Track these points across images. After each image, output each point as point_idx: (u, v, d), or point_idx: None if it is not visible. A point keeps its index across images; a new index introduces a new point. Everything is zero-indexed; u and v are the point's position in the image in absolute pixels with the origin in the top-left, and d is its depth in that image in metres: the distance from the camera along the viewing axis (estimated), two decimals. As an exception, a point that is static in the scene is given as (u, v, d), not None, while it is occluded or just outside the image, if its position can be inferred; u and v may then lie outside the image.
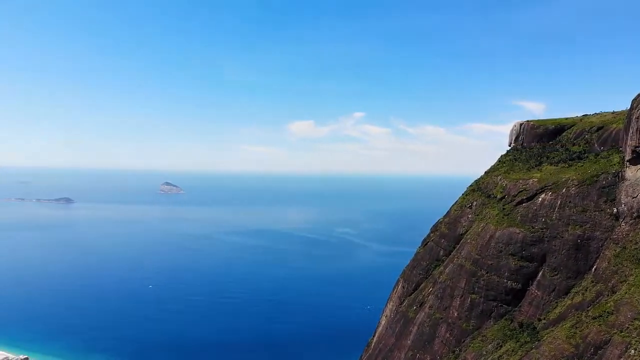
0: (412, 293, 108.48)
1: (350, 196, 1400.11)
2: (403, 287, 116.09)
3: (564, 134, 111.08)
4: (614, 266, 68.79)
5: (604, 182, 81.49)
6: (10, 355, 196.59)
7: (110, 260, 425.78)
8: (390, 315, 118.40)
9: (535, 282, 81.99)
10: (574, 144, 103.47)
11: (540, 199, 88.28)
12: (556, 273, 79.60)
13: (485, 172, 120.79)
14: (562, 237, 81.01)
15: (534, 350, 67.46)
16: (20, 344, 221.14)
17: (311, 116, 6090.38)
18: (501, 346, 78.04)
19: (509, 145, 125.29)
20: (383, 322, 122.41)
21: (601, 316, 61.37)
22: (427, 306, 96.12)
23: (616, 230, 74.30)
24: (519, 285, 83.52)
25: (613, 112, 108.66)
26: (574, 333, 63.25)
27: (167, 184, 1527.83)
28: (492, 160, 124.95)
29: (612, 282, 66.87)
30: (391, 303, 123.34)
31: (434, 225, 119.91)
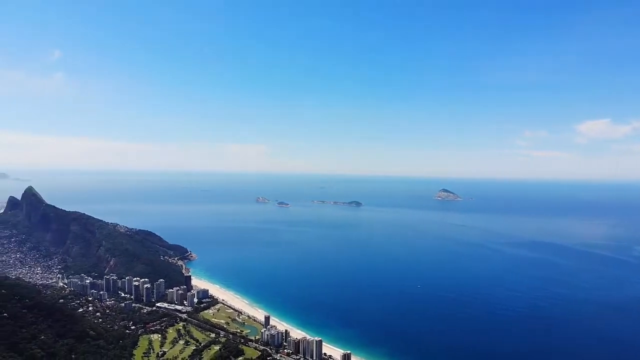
0: None
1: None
2: None
3: None
4: None
5: None
6: (308, 336, 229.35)
7: (388, 257, 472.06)
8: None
9: None
10: None
11: None
12: None
13: None
14: None
15: None
16: (315, 328, 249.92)
17: (607, 114, 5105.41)
18: None
19: None
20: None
21: None
22: None
23: None
24: None
25: None
26: None
27: (445, 190, 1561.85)
28: None
29: None
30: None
31: None
